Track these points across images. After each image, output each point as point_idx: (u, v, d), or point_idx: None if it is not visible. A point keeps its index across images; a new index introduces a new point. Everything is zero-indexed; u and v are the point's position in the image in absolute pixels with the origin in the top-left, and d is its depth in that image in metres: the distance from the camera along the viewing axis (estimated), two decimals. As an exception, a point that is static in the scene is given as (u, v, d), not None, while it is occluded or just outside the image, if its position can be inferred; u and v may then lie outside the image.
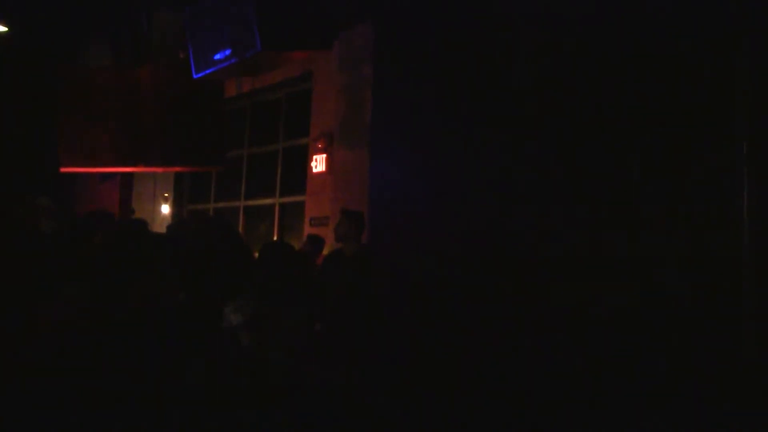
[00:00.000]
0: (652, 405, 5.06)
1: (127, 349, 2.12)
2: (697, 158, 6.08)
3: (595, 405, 5.09)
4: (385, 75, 7.27)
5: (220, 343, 2.28)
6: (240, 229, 9.45)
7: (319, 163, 8.15)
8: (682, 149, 6.24)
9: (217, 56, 7.84)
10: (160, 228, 8.54)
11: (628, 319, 6.03)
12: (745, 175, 5.05)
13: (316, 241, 7.10)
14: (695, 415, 4.83)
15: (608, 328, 6.06)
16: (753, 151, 5.22)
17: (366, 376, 4.75)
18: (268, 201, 9.68)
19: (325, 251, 6.86)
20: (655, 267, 6.17)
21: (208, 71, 8.07)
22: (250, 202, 10.10)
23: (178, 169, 10.06)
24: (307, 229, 8.11)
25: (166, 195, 11.43)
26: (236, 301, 2.63)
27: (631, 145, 6.71)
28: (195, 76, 8.19)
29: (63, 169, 9.07)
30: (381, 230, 6.82)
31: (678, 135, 6.33)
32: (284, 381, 2.26)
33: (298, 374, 2.41)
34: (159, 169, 10.03)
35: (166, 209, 11.32)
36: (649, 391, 5.24)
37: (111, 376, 2.07)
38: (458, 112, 7.24)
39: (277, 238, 9.10)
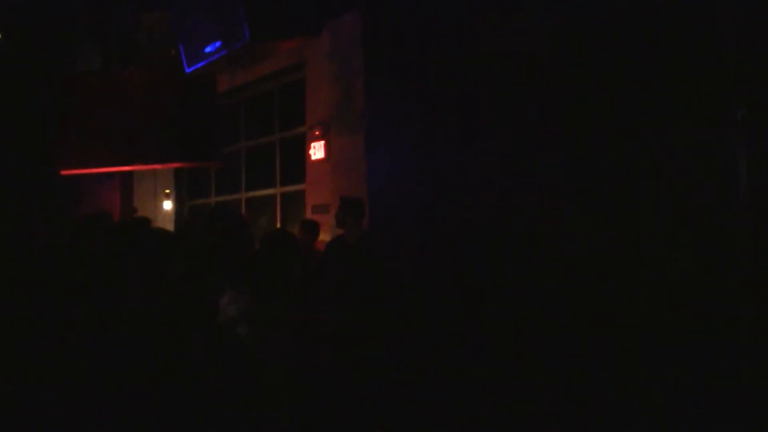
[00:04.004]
0: (651, 404, 5.06)
1: (125, 346, 2.15)
2: (694, 147, 6.09)
3: (593, 404, 5.09)
4: (375, 62, 7.25)
5: (216, 338, 2.30)
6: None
7: (317, 150, 8.13)
8: (677, 138, 6.25)
9: (208, 49, 7.82)
10: (162, 225, 8.57)
11: (626, 313, 6.05)
12: (744, 169, 5.03)
13: (312, 228, 7.05)
14: (694, 414, 4.82)
15: (606, 324, 6.06)
16: (749, 138, 5.18)
17: (368, 364, 4.78)
18: (269, 192, 9.70)
19: (325, 237, 6.88)
20: (654, 260, 6.19)
21: (199, 65, 8.06)
22: (251, 194, 10.12)
23: (173, 165, 10.09)
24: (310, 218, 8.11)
25: (168, 191, 11.45)
26: (233, 293, 2.64)
27: (629, 139, 6.72)
28: (187, 70, 8.18)
29: (63, 172, 9.13)
30: (379, 216, 6.83)
31: (673, 123, 6.33)
32: (280, 375, 2.28)
33: (293, 369, 2.43)
34: (155, 167, 10.06)
35: (168, 206, 11.34)
36: (649, 389, 5.25)
37: (110, 374, 2.09)
38: (451, 98, 7.23)
39: (280, 227, 9.12)
